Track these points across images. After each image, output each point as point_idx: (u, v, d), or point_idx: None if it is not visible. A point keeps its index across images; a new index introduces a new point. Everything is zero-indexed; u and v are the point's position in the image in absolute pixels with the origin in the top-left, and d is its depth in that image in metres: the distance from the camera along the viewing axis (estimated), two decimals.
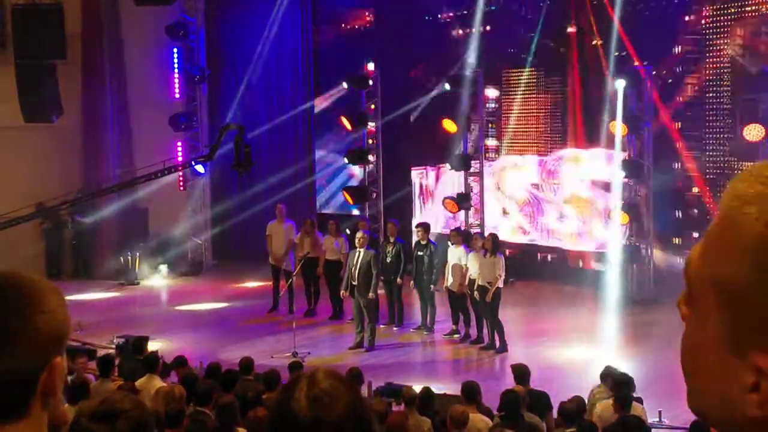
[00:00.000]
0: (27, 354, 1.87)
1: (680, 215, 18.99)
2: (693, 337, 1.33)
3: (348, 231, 19.13)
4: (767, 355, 1.22)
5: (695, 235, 18.15)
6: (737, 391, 1.25)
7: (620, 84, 18.47)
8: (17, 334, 1.86)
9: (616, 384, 10.44)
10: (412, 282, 16.81)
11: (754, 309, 1.23)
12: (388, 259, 16.61)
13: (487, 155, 21.09)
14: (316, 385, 1.89)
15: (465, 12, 21.02)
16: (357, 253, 15.84)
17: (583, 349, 15.69)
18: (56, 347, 1.92)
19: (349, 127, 20.94)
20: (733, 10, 17.91)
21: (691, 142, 18.60)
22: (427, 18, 21.83)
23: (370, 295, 15.68)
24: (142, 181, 19.25)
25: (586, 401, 10.50)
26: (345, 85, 21.14)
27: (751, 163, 1.35)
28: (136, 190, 21.19)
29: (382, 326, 16.59)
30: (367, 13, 22.34)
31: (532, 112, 20.91)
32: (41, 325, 1.88)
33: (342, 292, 16.34)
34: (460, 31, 21.31)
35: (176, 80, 22.15)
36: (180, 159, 21.24)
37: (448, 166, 20.72)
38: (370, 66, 21.11)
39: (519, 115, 21.01)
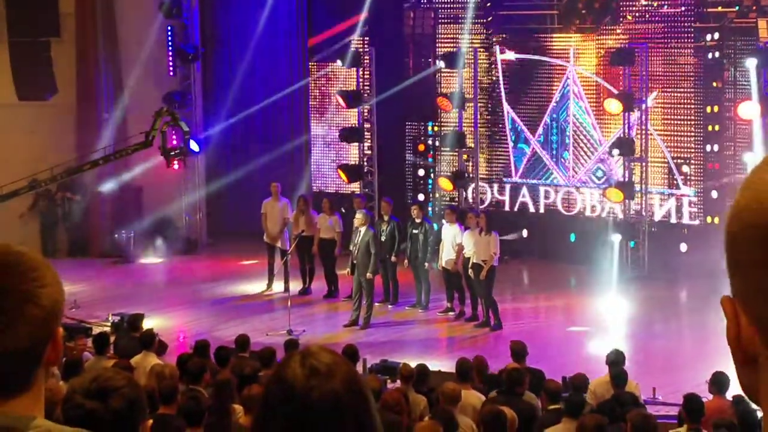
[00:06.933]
0: (33, 329, 1.90)
1: None
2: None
3: (343, 209, 19.12)
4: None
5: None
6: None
7: None
8: (24, 311, 1.88)
9: (611, 362, 10.47)
10: (406, 261, 16.81)
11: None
12: (382, 238, 16.62)
13: None
14: (313, 356, 1.89)
15: None
16: (358, 233, 15.89)
17: (578, 327, 15.73)
18: (57, 319, 1.95)
19: (344, 105, 20.89)
20: None
21: None
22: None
23: (368, 275, 15.70)
24: (87, 168, 19.56)
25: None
26: (340, 63, 21.10)
27: None
28: (131, 168, 21.19)
29: (377, 304, 16.60)
30: None
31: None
32: (44, 300, 1.91)
33: (346, 271, 16.36)
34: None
35: (170, 58, 22.04)
36: (174, 140, 21.08)
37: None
38: (366, 43, 21.09)
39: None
